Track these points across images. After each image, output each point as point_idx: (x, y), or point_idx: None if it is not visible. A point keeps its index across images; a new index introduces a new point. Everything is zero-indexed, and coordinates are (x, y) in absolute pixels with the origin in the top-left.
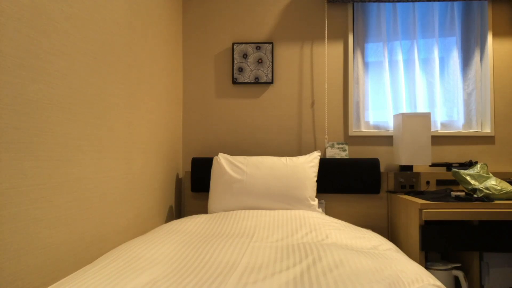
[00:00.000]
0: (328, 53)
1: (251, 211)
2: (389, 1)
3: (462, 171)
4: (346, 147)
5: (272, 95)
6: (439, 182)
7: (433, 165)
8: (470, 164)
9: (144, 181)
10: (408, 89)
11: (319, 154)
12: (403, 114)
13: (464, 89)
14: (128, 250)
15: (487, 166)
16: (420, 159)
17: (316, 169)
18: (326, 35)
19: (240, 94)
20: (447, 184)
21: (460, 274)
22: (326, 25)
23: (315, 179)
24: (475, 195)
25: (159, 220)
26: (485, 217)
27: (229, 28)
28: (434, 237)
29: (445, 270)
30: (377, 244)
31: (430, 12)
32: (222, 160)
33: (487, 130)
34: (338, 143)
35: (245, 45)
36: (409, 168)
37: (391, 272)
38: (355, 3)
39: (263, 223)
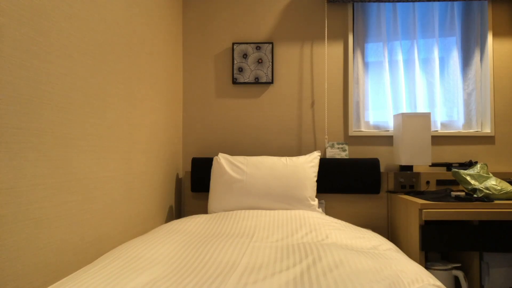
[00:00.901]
0: (328, 53)
1: (251, 211)
2: (389, 1)
3: (462, 171)
4: (346, 147)
5: (272, 95)
6: (439, 182)
7: (433, 165)
8: (470, 164)
9: (144, 181)
10: (408, 89)
11: (319, 154)
12: (403, 114)
13: (464, 89)
14: (128, 250)
15: (487, 166)
16: (420, 159)
17: (316, 169)
18: (326, 35)
19: (240, 94)
20: (447, 184)
21: (460, 274)
22: (326, 25)
23: (315, 179)
24: (475, 195)
25: (159, 220)
26: (485, 217)
27: (229, 28)
28: (434, 237)
29: (445, 270)
30: (377, 244)
31: (430, 12)
32: (222, 160)
33: (487, 130)
34: (338, 143)
35: (245, 45)
36: (409, 168)
37: (391, 272)
38: (355, 3)
39: (263, 223)
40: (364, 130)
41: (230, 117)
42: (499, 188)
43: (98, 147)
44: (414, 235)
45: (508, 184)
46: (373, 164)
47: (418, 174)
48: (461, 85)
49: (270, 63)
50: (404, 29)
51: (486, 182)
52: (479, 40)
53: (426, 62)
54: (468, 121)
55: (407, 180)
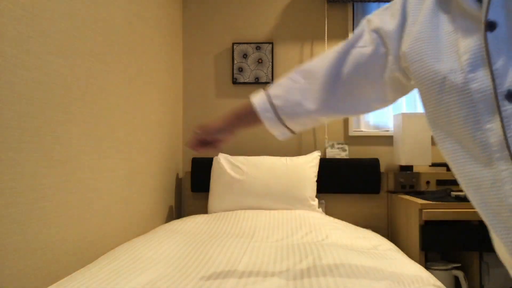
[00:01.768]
0: None
1: (251, 211)
2: (389, 1)
3: None
4: (346, 147)
5: None
6: (439, 182)
7: (433, 165)
8: None
9: (144, 181)
10: None
11: (319, 154)
12: (403, 114)
13: None
14: (128, 250)
15: None
16: (420, 159)
17: (316, 169)
18: (326, 35)
19: (240, 94)
20: (447, 184)
21: (460, 274)
22: (326, 25)
23: (315, 179)
24: None
25: (159, 220)
26: None
27: (229, 28)
28: (434, 237)
29: (445, 270)
30: (377, 244)
31: None
32: (222, 160)
33: None
34: (338, 143)
35: (245, 45)
36: (409, 168)
37: (391, 272)
38: (355, 3)
39: (263, 223)
40: (364, 130)
41: None
42: None
43: (98, 147)
44: (414, 235)
45: None
46: (373, 164)
47: (418, 174)
48: None
49: (270, 63)
50: None
51: None
52: None
53: None
54: None
55: (407, 180)
